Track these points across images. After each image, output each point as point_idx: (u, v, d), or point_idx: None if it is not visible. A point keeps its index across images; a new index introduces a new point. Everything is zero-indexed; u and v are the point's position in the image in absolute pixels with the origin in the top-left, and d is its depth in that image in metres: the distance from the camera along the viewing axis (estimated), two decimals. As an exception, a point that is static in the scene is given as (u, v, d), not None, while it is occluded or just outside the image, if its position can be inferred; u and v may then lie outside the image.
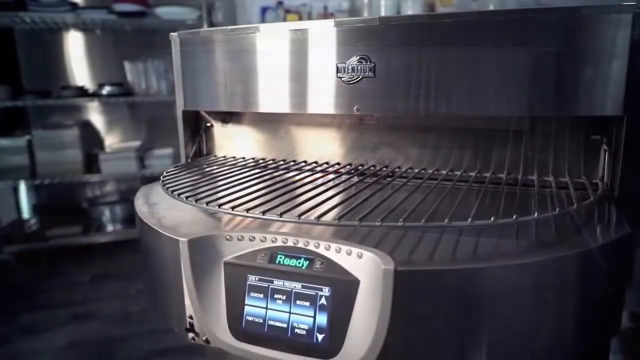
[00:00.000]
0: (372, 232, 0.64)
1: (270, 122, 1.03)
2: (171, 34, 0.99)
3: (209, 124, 1.05)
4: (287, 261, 0.63)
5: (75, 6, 2.85)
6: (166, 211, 0.80)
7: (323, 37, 0.80)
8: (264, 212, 0.63)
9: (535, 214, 0.60)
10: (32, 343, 2.13)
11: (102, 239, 3.09)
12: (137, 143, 3.20)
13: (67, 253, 2.92)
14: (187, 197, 0.72)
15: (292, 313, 0.61)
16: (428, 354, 0.57)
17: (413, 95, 0.76)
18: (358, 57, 0.78)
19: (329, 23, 0.80)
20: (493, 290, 0.55)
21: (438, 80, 0.75)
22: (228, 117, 1.03)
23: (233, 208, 0.66)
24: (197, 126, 1.04)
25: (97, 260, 3.02)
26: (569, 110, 0.71)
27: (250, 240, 0.65)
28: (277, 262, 0.63)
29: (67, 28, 3.07)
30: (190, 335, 0.68)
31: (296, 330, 0.61)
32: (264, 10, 3.07)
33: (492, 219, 0.58)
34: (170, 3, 2.98)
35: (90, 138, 3.16)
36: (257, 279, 0.64)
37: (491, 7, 3.16)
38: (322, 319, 0.60)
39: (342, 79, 0.80)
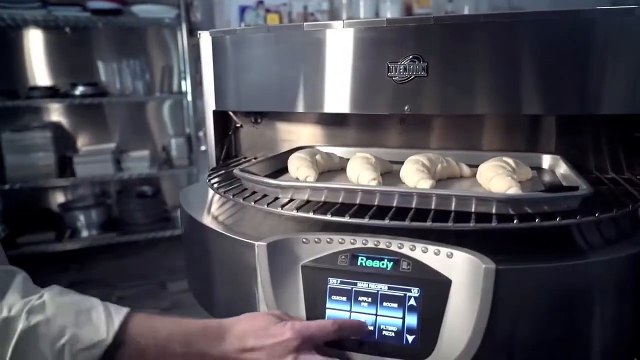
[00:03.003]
0: (449, 231, 0.63)
1: (301, 122, 1.02)
2: (200, 32, 0.95)
3: (238, 125, 1.02)
4: (370, 263, 0.62)
5: (45, 3, 2.72)
6: (229, 215, 0.78)
7: (373, 36, 0.80)
8: (350, 216, 0.62)
9: (614, 211, 0.61)
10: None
11: (77, 245, 2.97)
12: (112, 145, 3.09)
13: (40, 260, 2.79)
14: (255, 202, 0.69)
15: (379, 315, 0.61)
16: (525, 352, 0.57)
17: (468, 95, 0.77)
18: (410, 57, 0.78)
19: (381, 22, 0.79)
20: (597, 285, 0.56)
21: (493, 79, 0.75)
22: (260, 117, 1.01)
23: (314, 212, 0.64)
24: (226, 127, 1.01)
25: (72, 267, 2.91)
26: (612, 108, 0.73)
27: (328, 242, 0.64)
28: (359, 264, 0.62)
29: (36, 26, 2.93)
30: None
31: (384, 332, 0.60)
32: (242, 9, 3.02)
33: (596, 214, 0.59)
34: (148, 1, 2.89)
35: (62, 140, 3.03)
36: (338, 281, 0.63)
37: (466, 9, 3.23)
38: (412, 319, 0.59)
39: (394, 78, 0.79)
